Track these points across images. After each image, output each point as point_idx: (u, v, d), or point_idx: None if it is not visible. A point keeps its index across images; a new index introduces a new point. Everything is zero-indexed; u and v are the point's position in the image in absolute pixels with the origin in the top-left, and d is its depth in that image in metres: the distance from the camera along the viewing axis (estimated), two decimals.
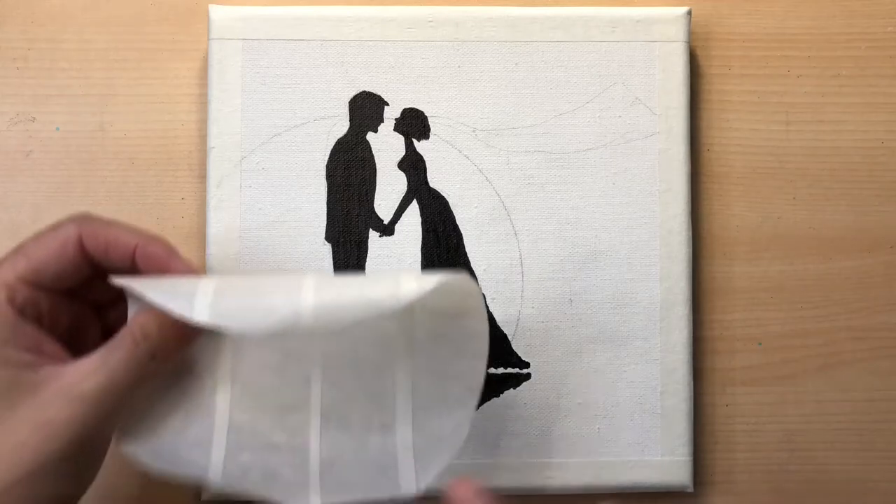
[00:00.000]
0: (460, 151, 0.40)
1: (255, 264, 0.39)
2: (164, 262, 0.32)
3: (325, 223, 0.39)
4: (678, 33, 0.40)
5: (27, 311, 0.31)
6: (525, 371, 0.39)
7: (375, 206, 0.40)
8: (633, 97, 0.40)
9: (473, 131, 0.40)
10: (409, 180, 0.40)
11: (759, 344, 0.41)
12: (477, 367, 0.34)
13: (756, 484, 0.41)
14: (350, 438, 0.33)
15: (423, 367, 0.34)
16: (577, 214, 0.40)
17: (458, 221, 0.40)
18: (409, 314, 0.34)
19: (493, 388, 0.39)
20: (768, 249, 0.41)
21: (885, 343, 0.41)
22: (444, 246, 0.40)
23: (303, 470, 0.33)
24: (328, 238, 0.39)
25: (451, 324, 0.34)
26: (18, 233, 0.40)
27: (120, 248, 0.32)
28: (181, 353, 0.33)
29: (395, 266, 0.39)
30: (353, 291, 0.30)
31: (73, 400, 0.30)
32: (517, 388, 0.39)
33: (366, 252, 0.39)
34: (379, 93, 0.40)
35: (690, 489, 0.39)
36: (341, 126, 0.40)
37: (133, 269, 0.32)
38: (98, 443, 0.32)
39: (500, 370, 0.39)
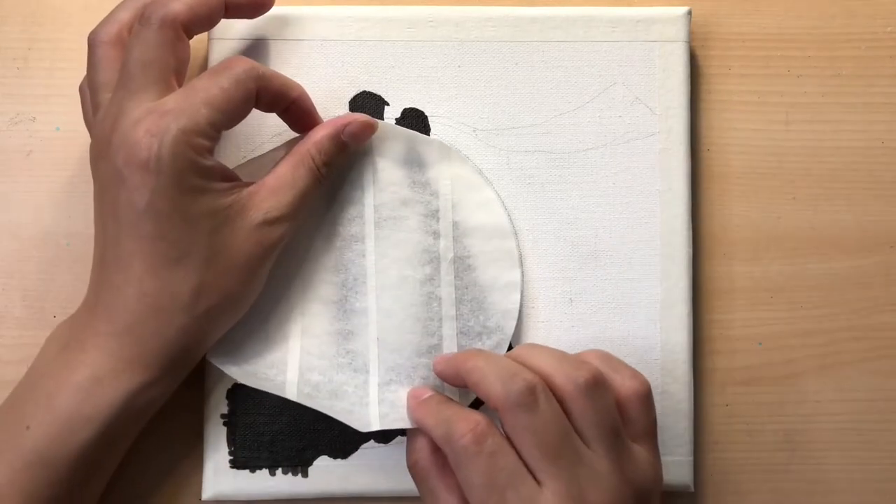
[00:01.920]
0: (460, 151, 0.40)
1: None
2: (310, 118, 0.37)
3: None
4: (678, 33, 0.40)
5: (206, 150, 0.33)
6: None
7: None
8: (633, 97, 0.40)
9: (473, 131, 0.40)
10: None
11: (759, 344, 0.41)
12: (510, 294, 0.38)
13: (756, 484, 0.41)
14: (403, 361, 0.37)
15: (464, 295, 0.38)
16: (577, 214, 0.40)
17: None
18: (449, 236, 0.38)
19: None
20: (768, 249, 0.41)
21: (885, 343, 0.41)
22: None
23: (363, 389, 0.37)
24: None
25: (485, 244, 0.38)
26: (19, 233, 0.40)
27: (281, 102, 0.36)
28: (342, 164, 0.38)
29: None
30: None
31: (278, 214, 0.35)
32: None
33: None
34: (379, 93, 0.40)
35: (691, 489, 0.39)
36: None
37: (279, 113, 0.37)
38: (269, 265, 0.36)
39: None
